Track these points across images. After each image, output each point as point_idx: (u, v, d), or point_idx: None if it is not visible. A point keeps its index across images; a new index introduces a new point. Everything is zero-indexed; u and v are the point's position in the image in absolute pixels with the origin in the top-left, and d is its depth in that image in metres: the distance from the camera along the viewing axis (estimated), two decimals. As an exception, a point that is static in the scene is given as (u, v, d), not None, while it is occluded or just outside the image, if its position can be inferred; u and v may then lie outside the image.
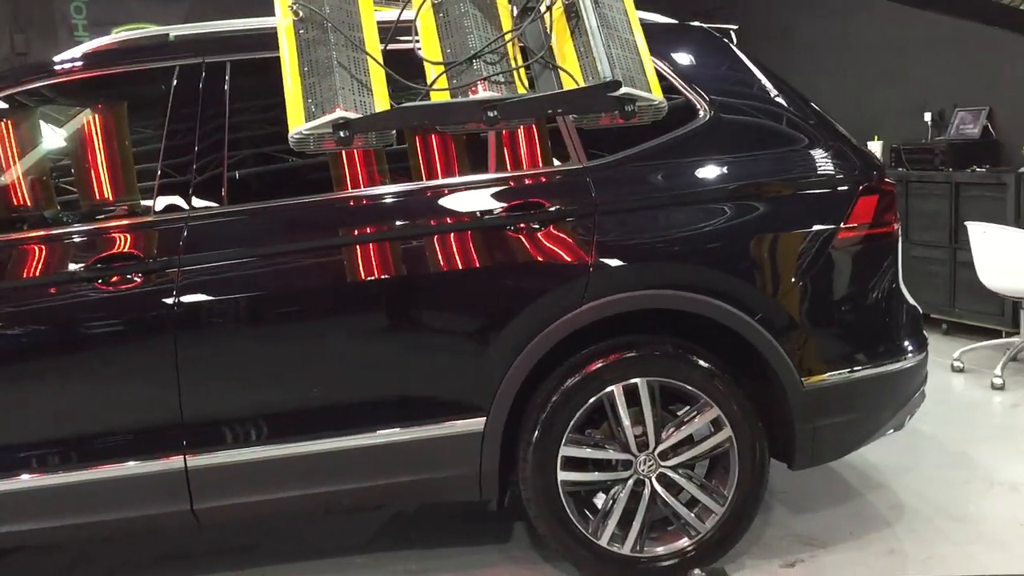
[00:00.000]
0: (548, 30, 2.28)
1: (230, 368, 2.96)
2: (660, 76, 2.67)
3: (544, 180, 3.11)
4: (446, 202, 3.05)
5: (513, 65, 2.23)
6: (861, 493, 3.93)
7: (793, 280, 3.13)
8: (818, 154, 3.23)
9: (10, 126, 3.04)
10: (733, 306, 3.07)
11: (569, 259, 3.02)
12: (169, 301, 2.90)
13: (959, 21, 4.87)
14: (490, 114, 2.10)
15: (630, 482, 3.16)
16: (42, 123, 3.12)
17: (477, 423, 3.05)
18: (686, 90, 3.21)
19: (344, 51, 2.19)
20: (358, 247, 3.00)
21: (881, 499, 3.86)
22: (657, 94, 2.29)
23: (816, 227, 3.14)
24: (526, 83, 2.28)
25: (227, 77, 3.07)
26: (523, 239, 3.02)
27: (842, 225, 3.16)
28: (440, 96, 2.20)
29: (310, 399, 2.99)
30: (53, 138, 3.16)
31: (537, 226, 3.03)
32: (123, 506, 2.98)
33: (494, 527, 3.67)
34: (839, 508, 3.78)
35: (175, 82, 3.05)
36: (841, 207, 3.17)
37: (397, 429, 3.02)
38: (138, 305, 2.90)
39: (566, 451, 3.11)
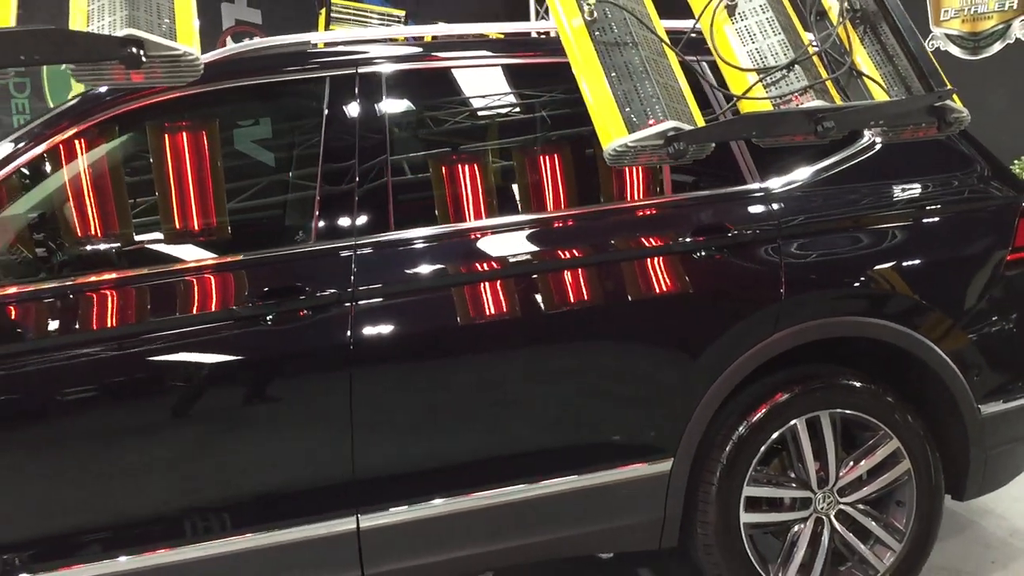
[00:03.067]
0: (846, 36, 2.11)
1: (408, 413, 2.64)
2: None
3: (724, 202, 2.92)
4: (624, 226, 2.84)
5: (821, 73, 2.05)
6: (973, 520, 3.86)
7: (970, 305, 3.04)
8: (978, 177, 3.17)
9: (153, 143, 2.64)
10: (919, 333, 2.95)
11: (759, 285, 2.84)
12: (343, 339, 2.56)
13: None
14: (825, 125, 1.91)
15: (811, 521, 2.98)
16: (181, 141, 2.73)
17: (664, 465, 2.82)
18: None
19: (652, 55, 1.96)
20: (546, 276, 2.74)
21: (996, 525, 3.80)
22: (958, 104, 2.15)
23: (987, 251, 3.08)
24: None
25: (384, 89, 2.77)
26: (710, 266, 2.82)
27: (1009, 248, 3.10)
28: (754, 105, 2.00)
29: (494, 444, 2.71)
30: (191, 157, 2.78)
31: (723, 251, 2.84)
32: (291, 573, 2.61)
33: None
34: (961, 536, 3.69)
35: (328, 95, 2.73)
36: (1005, 230, 3.11)
37: (584, 475, 2.77)
38: (308, 346, 2.56)
39: (748, 491, 2.92)
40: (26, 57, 1.68)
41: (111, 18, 1.73)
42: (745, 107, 2.01)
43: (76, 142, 2.55)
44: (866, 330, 2.92)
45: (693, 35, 2.18)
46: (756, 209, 2.90)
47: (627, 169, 2.89)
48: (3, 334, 2.44)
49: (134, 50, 1.70)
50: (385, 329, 2.61)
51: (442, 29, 3.06)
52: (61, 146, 2.53)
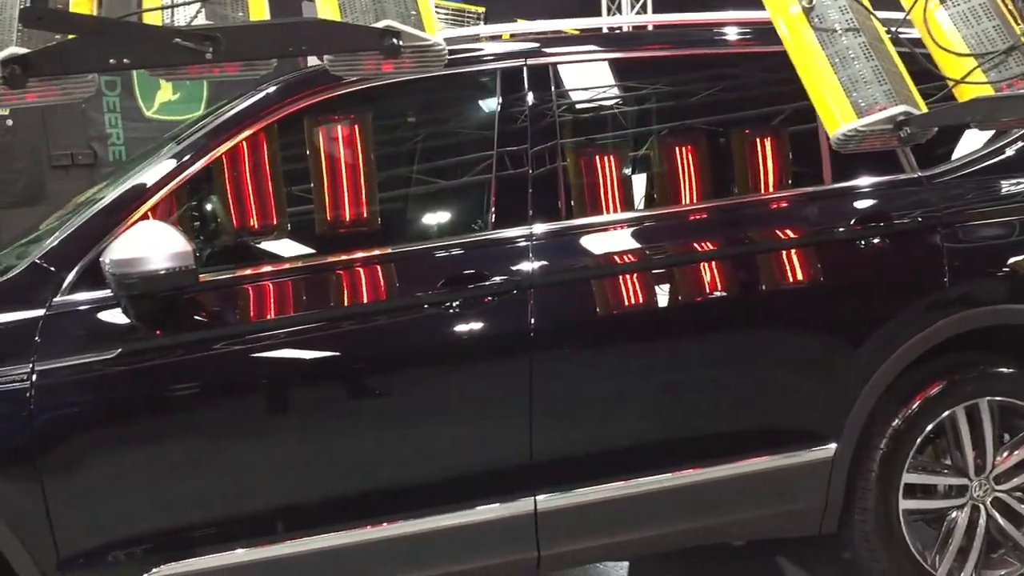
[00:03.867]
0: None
1: (585, 397, 2.68)
2: None
3: (886, 191, 2.94)
4: (788, 214, 2.87)
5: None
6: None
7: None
8: None
9: (340, 133, 2.70)
10: None
11: (923, 273, 2.86)
12: (524, 325, 2.61)
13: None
14: (1052, 108, 1.93)
15: (967, 508, 2.99)
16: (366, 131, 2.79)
17: (827, 451, 2.84)
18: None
19: (872, 40, 1.99)
20: (718, 264, 2.80)
21: None
22: None
23: None
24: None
25: (553, 81, 2.82)
26: (875, 254, 2.84)
27: None
28: (974, 90, 2.02)
29: (666, 429, 2.75)
30: (374, 148, 2.84)
31: (887, 240, 2.86)
32: (461, 557, 2.66)
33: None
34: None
35: (500, 87, 2.78)
36: None
37: (751, 460, 2.79)
38: (491, 332, 2.61)
39: (908, 477, 2.93)
40: (294, 48, 1.74)
41: (364, 10, 1.78)
42: (964, 92, 2.03)
43: (260, 137, 2.61)
44: (1012, 317, 2.92)
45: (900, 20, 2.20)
46: (918, 197, 2.92)
47: (779, 157, 2.91)
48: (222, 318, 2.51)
49: (394, 40, 1.76)
50: (563, 315, 2.66)
51: (521, 27, 3.10)
52: (245, 142, 2.59)
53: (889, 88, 1.92)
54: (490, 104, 2.81)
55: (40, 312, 2.39)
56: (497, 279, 2.62)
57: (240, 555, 2.49)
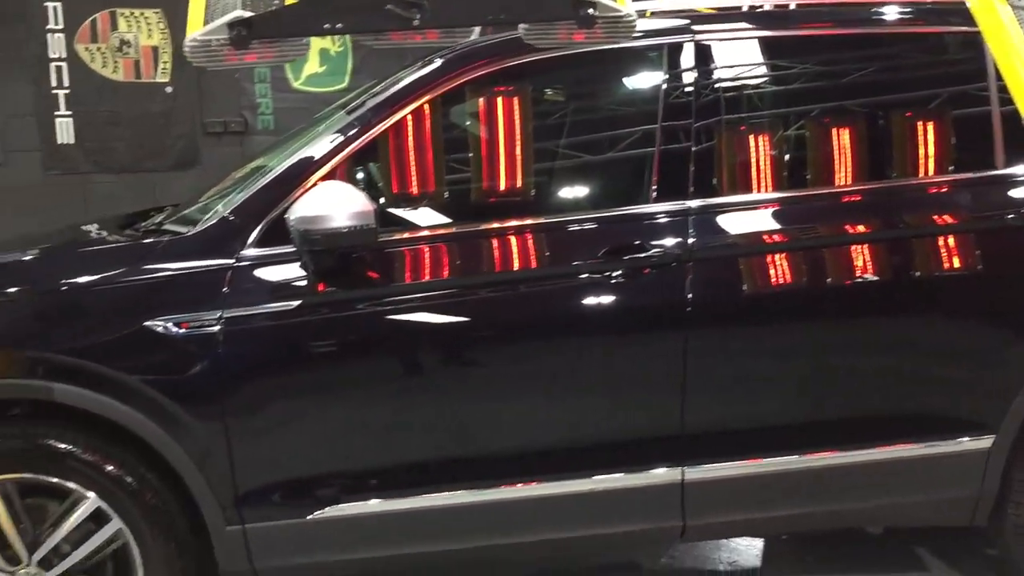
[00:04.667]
0: None
1: (738, 372, 2.71)
2: None
3: None
4: (949, 199, 2.83)
5: None
6: None
7: None
8: None
9: (513, 104, 2.79)
10: None
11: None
12: (681, 298, 2.65)
13: None
14: None
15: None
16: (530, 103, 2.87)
17: (985, 442, 2.79)
18: None
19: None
20: (873, 247, 2.79)
21: None
22: None
23: None
24: None
25: (716, 57, 2.84)
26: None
27: None
28: None
29: (820, 409, 2.77)
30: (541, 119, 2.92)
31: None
32: (611, 520, 2.73)
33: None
34: None
35: (666, 61, 2.81)
36: None
37: (905, 445, 2.78)
38: (649, 303, 2.66)
39: (1070, 472, 2.86)
40: (493, 16, 1.82)
41: None
42: None
43: (430, 106, 2.72)
44: None
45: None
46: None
47: (941, 140, 2.86)
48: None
49: (590, 11, 1.81)
50: (719, 290, 2.69)
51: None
52: (415, 112, 2.70)
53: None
54: (655, 78, 2.84)
55: (230, 262, 2.56)
56: (658, 251, 2.66)
57: (398, 503, 2.62)
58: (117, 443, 2.50)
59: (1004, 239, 2.80)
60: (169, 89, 6.87)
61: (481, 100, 2.81)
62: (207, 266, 2.56)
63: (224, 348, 2.50)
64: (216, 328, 2.51)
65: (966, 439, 2.80)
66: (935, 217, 2.84)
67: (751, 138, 2.84)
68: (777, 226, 2.78)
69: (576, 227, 2.74)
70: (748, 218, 2.76)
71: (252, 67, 1.96)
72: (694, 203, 2.73)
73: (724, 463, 2.71)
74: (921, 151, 2.88)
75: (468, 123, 2.87)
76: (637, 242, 2.68)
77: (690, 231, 2.70)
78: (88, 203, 6.15)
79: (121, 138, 6.47)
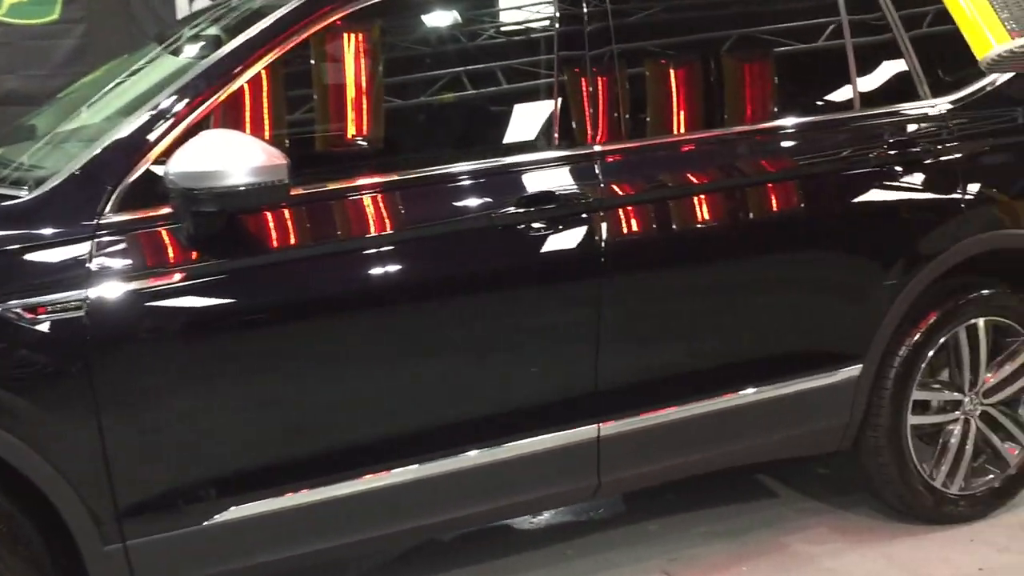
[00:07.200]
0: None
1: (652, 321, 2.64)
2: None
3: (908, 118, 3.02)
4: (823, 139, 2.91)
5: None
6: None
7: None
8: None
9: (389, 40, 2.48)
10: None
11: (943, 198, 2.98)
12: (595, 249, 2.53)
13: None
14: None
15: (961, 421, 3.18)
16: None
17: (855, 370, 2.95)
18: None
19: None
20: (759, 188, 2.81)
21: None
22: None
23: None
24: None
25: None
26: (899, 179, 2.94)
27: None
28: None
29: (720, 354, 2.77)
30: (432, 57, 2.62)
31: (911, 166, 2.96)
32: (528, 487, 2.59)
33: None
34: None
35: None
36: None
37: (796, 379, 2.87)
38: (561, 255, 2.51)
39: (916, 395, 3.08)
40: None
41: None
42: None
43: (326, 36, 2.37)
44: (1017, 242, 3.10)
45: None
46: (935, 123, 3.01)
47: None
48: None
49: None
50: (631, 237, 2.60)
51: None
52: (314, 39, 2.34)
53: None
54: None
55: (87, 231, 2.09)
56: (567, 201, 2.51)
57: (303, 496, 2.31)
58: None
59: (868, 179, 2.91)
60: None
61: (360, 36, 2.48)
62: (61, 237, 2.08)
63: (92, 335, 2.05)
64: (81, 313, 2.04)
65: (842, 370, 2.93)
66: (806, 159, 2.88)
67: (652, 72, 2.75)
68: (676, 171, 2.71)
69: (476, 179, 2.50)
70: (657, 160, 2.67)
71: None
72: (599, 148, 2.59)
73: (638, 415, 2.65)
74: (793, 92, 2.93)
75: (343, 65, 2.51)
76: (544, 191, 2.51)
77: (599, 177, 2.56)
78: None
79: None
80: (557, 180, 2.54)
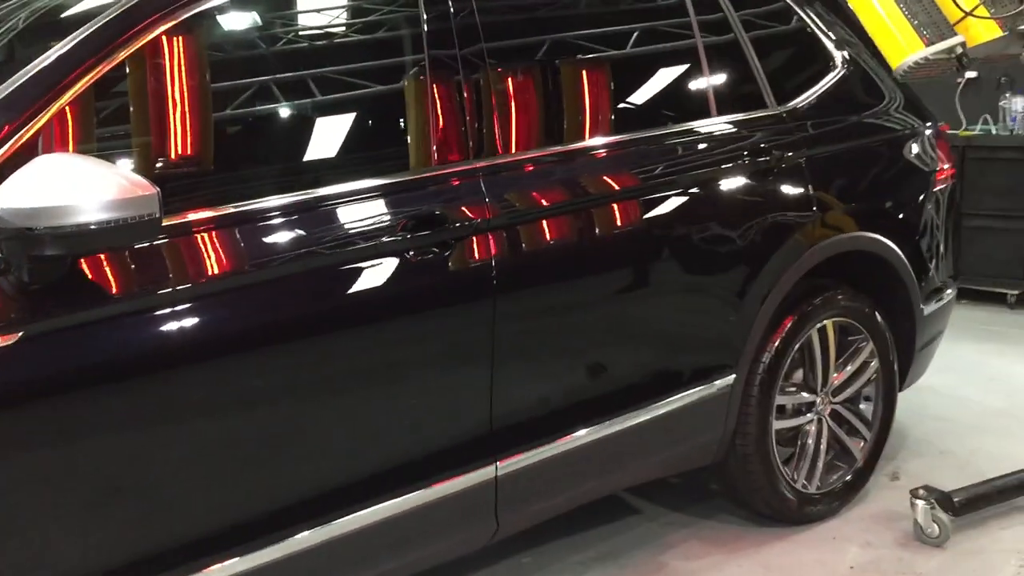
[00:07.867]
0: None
1: (546, 348, 2.48)
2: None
3: (760, 126, 3.03)
4: (681, 152, 2.87)
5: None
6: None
7: (919, 218, 3.45)
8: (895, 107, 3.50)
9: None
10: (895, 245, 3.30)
11: (798, 204, 3.02)
12: (485, 273, 2.33)
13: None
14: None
15: (815, 421, 3.25)
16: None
17: (729, 379, 2.93)
18: (827, 41, 3.32)
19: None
20: (631, 203, 2.71)
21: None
22: None
23: (926, 171, 3.49)
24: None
25: None
26: (757, 187, 2.95)
27: (937, 167, 3.54)
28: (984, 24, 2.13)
29: (611, 376, 2.66)
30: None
31: (769, 174, 2.98)
32: (420, 541, 2.34)
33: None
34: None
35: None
36: (932, 153, 3.55)
37: (670, 397, 2.80)
38: (452, 283, 2.29)
39: (779, 399, 3.12)
40: None
41: None
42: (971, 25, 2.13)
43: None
44: (871, 245, 3.21)
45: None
46: (785, 131, 3.05)
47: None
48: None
49: None
50: (522, 259, 2.41)
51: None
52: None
53: (943, 20, 1.96)
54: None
55: None
56: (452, 223, 2.29)
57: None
58: None
59: (727, 187, 2.90)
60: None
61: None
62: None
63: None
64: None
65: (718, 381, 2.89)
66: (669, 170, 2.82)
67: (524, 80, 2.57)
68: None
69: (355, 200, 2.22)
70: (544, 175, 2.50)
71: None
72: (482, 163, 2.38)
73: (534, 448, 2.47)
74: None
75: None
76: (428, 213, 2.27)
77: (485, 194, 2.36)
78: None
79: None
80: (439, 199, 2.31)
